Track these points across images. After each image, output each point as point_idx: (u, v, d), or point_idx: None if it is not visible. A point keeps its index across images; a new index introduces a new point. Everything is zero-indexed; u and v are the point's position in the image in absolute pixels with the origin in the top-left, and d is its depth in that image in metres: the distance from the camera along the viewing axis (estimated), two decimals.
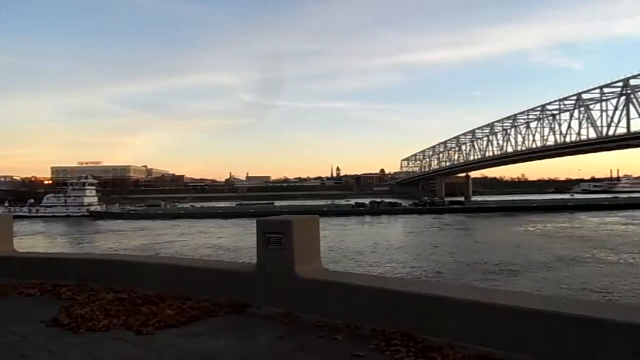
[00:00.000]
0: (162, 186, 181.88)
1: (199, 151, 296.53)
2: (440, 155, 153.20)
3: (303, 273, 4.52)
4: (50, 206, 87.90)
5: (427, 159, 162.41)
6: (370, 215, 71.71)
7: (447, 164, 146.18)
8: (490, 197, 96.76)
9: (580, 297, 16.84)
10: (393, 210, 76.83)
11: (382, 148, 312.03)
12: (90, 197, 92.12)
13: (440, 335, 3.66)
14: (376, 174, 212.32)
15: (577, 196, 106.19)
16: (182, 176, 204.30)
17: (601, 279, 22.03)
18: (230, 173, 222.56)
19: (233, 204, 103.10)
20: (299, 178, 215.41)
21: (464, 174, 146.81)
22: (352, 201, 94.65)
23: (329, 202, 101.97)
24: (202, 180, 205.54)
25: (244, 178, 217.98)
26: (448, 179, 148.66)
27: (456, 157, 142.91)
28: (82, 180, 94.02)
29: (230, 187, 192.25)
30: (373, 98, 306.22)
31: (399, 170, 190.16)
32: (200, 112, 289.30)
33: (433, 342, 3.61)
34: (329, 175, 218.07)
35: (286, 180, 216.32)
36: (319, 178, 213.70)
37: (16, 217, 62.93)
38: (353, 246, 35.83)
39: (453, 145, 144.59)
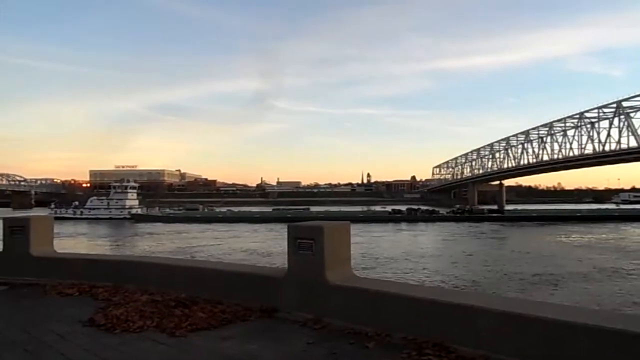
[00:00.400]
0: (195, 190, 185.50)
1: (230, 156, 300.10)
2: (473, 162, 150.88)
3: (333, 279, 4.51)
4: (93, 208, 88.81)
5: (460, 167, 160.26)
6: (407, 222, 70.49)
7: (480, 171, 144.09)
8: (527, 206, 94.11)
9: (625, 311, 16.18)
10: (430, 218, 75.50)
11: (413, 155, 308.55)
12: (132, 200, 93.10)
13: (473, 346, 3.58)
14: (407, 180, 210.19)
15: (622, 206, 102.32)
16: (215, 181, 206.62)
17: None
18: (261, 178, 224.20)
19: (269, 208, 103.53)
20: (329, 184, 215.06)
21: (497, 182, 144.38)
22: (388, 208, 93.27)
23: (365, 208, 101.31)
24: (233, 185, 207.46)
25: (275, 183, 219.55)
26: (481, 186, 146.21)
27: (489, 165, 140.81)
28: (125, 184, 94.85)
29: (261, 192, 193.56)
30: (405, 104, 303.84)
31: (430, 177, 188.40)
32: (232, 117, 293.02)
33: (466, 353, 3.55)
34: (360, 182, 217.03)
35: (317, 185, 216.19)
36: (350, 184, 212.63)
37: (61, 218, 64.90)
38: (387, 253, 35.56)
39: (486, 153, 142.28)
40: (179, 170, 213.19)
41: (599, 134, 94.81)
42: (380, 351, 3.78)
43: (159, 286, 5.74)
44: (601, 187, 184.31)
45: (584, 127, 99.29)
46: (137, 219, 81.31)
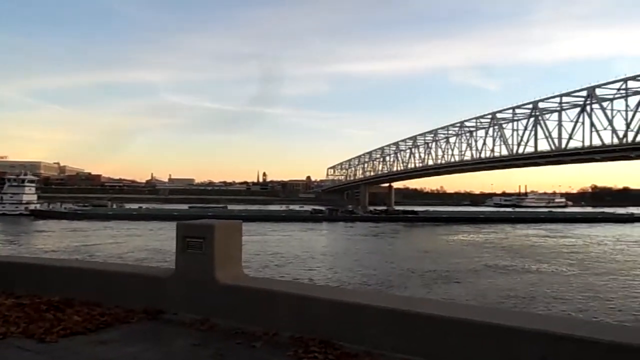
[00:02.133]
0: (75, 185, 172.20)
1: (118, 151, 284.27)
2: (365, 165, 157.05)
3: (223, 279, 4.42)
4: None
5: (353, 168, 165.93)
6: (328, 221, 73.37)
7: (372, 173, 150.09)
8: (415, 208, 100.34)
9: (496, 305, 17.83)
10: (350, 218, 79.00)
11: (309, 155, 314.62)
12: (30, 194, 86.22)
13: (359, 343, 3.70)
14: (302, 180, 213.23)
15: (517, 210, 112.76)
16: (99, 176, 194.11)
17: (526, 287, 23.66)
18: (152, 174, 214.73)
19: (186, 206, 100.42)
20: (224, 182, 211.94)
21: (387, 184, 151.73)
22: (308, 207, 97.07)
23: (284, 207, 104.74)
24: (120, 180, 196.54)
25: (167, 180, 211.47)
26: (372, 188, 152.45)
27: (380, 168, 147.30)
28: (22, 177, 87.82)
29: (151, 189, 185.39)
30: (303, 105, 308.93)
31: (325, 178, 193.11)
32: (121, 109, 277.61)
33: (350, 350, 3.62)
34: (255, 181, 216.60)
35: (211, 183, 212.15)
36: (245, 183, 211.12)
37: None
38: (295, 251, 36.02)
39: (378, 156, 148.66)
40: (58, 163, 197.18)
41: (476, 142, 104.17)
42: (267, 350, 3.76)
43: (28, 289, 5.24)
44: (477, 191, 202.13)
45: (464, 135, 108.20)
46: (37, 215, 77.05)
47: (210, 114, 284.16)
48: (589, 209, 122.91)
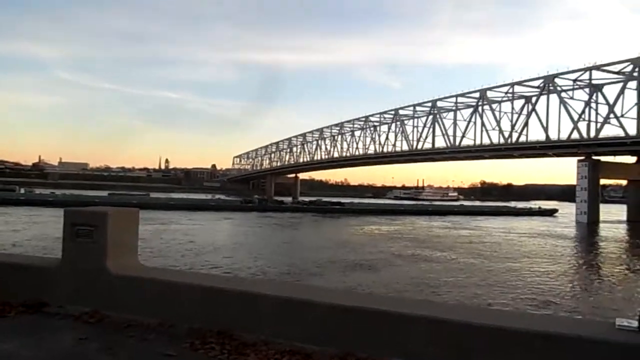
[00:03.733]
0: None
1: (1, 129, 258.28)
2: (272, 155, 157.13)
3: (115, 269, 4.20)
4: None
5: (260, 158, 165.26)
6: (259, 211, 73.23)
7: (279, 164, 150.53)
8: (327, 199, 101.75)
9: (388, 293, 18.69)
10: (280, 208, 79.63)
11: (215, 144, 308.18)
12: None
13: (257, 332, 3.71)
14: (207, 169, 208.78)
15: (407, 202, 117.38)
16: None
17: (430, 274, 25.14)
18: (39, 157, 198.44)
19: (105, 193, 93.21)
20: (123, 168, 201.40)
21: (293, 175, 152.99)
22: (226, 196, 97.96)
23: (214, 197, 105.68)
24: (2, 162, 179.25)
25: (57, 163, 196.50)
26: (278, 179, 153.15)
27: (287, 159, 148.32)
28: None
29: (38, 173, 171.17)
30: (209, 92, 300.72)
31: (230, 167, 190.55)
32: (10, 85, 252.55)
33: (248, 339, 3.61)
34: (157, 167, 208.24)
35: (107, 169, 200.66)
36: (145, 169, 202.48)
37: None
38: (217, 241, 35.73)
39: (285, 147, 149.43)
40: None
41: (379, 136, 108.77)
42: (161, 342, 3.62)
43: None
44: (379, 184, 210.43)
45: (368, 129, 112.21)
46: None
47: (108, 95, 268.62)
48: (477, 203, 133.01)
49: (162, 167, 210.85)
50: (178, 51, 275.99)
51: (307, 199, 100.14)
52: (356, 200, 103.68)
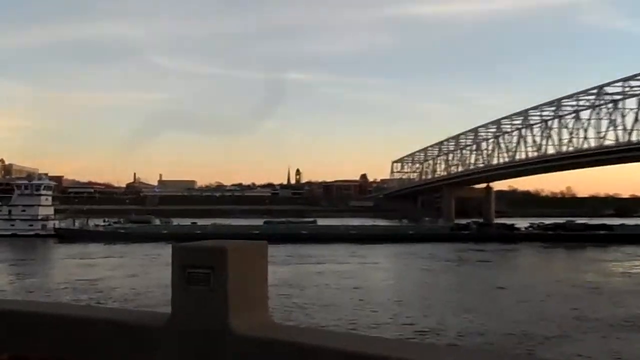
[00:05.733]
0: None
1: (87, 142, 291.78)
2: (450, 156, 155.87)
3: (242, 327, 4.34)
4: None
5: (431, 162, 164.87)
6: (475, 241, 73.75)
7: (459, 169, 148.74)
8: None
9: None
10: (509, 236, 79.46)
11: (364, 144, 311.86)
12: (47, 206, 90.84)
13: None
14: (355, 181, 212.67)
15: None
16: (60, 177, 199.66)
17: None
18: (134, 175, 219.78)
19: (261, 221, 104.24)
20: (239, 185, 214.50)
21: (483, 185, 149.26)
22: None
23: (410, 223, 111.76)
24: (90, 184, 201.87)
25: (156, 183, 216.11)
26: (460, 191, 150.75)
27: (472, 160, 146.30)
28: (36, 182, 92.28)
29: (135, 197, 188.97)
30: (351, 69, 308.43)
31: (388, 177, 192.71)
32: (88, 82, 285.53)
33: None
34: (285, 183, 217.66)
35: (220, 187, 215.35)
36: (270, 186, 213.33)
37: None
38: (398, 288, 38.33)
39: (469, 142, 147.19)
40: (2, 161, 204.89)
41: (623, 117, 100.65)
42: None
43: None
44: (626, 194, 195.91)
45: (603, 107, 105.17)
46: (63, 236, 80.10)
47: (214, 84, 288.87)
48: None
49: (292, 181, 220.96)
50: (300, 15, 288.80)
51: (538, 221, 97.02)
52: (616, 222, 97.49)
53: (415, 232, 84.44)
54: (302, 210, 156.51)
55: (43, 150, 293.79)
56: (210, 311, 4.54)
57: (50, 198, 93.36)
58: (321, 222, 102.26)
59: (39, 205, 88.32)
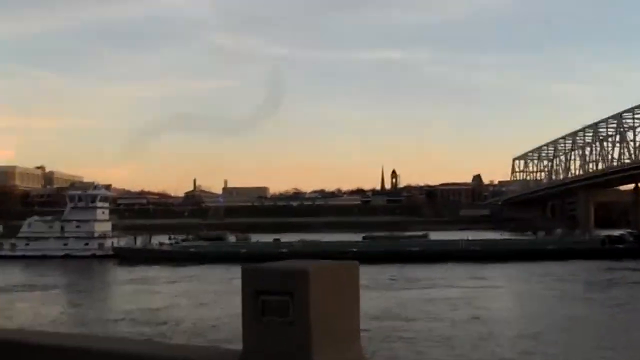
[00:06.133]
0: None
1: (136, 148, 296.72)
2: (587, 150, 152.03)
3: None
4: (35, 238, 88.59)
5: (562, 158, 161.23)
6: (634, 257, 71.68)
7: (600, 166, 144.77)
8: None
9: None
10: None
11: (477, 137, 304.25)
12: (104, 221, 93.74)
13: None
14: (465, 185, 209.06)
15: None
16: (109, 186, 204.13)
17: None
18: (194, 181, 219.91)
19: (359, 236, 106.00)
20: (321, 192, 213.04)
21: (631, 186, 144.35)
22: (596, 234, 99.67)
23: (538, 236, 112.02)
24: (142, 194, 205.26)
25: (220, 191, 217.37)
26: (600, 194, 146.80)
27: (616, 155, 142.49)
28: (91, 192, 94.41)
29: (195, 208, 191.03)
30: (459, 42, 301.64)
31: (508, 178, 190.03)
32: (140, 75, 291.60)
33: None
34: (378, 188, 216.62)
35: (297, 194, 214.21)
36: (359, 192, 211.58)
37: None
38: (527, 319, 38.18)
39: (610, 132, 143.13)
40: (42, 168, 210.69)
41: None
42: None
43: None
44: None
45: None
46: (124, 257, 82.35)
47: (291, 66, 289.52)
48: None
49: (388, 186, 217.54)
50: None
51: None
52: None
53: (556, 248, 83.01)
54: (398, 222, 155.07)
55: (88, 156, 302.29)
56: (289, 348, 4.52)
57: (107, 211, 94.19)
58: (433, 236, 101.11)
59: (95, 220, 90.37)
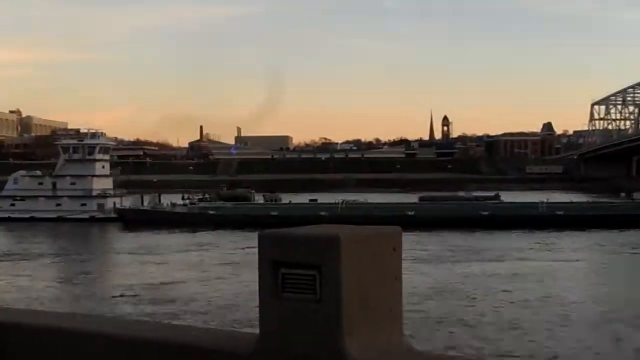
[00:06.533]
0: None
1: (132, 86, 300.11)
2: None
3: (363, 354, 4.48)
4: (22, 197, 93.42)
5: None
6: None
7: None
8: None
9: None
10: None
11: (547, 78, 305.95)
12: (103, 176, 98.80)
13: None
14: (533, 135, 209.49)
15: None
16: (102, 134, 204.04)
17: None
18: (201, 128, 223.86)
19: (415, 197, 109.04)
20: (357, 142, 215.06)
21: None
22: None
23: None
24: (137, 144, 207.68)
25: (232, 141, 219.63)
26: None
27: None
28: (89, 142, 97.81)
29: (201, 161, 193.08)
30: None
31: (586, 127, 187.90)
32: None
33: None
34: (426, 138, 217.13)
35: (326, 145, 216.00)
36: (402, 142, 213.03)
37: None
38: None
39: None
40: (18, 112, 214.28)
41: None
42: None
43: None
44: None
45: None
46: (128, 220, 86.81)
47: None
48: None
49: (438, 136, 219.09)
50: None
51: None
52: None
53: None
54: (450, 180, 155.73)
55: (71, 98, 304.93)
56: (315, 330, 4.59)
57: (107, 165, 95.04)
58: (505, 197, 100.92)
59: (94, 175, 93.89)
